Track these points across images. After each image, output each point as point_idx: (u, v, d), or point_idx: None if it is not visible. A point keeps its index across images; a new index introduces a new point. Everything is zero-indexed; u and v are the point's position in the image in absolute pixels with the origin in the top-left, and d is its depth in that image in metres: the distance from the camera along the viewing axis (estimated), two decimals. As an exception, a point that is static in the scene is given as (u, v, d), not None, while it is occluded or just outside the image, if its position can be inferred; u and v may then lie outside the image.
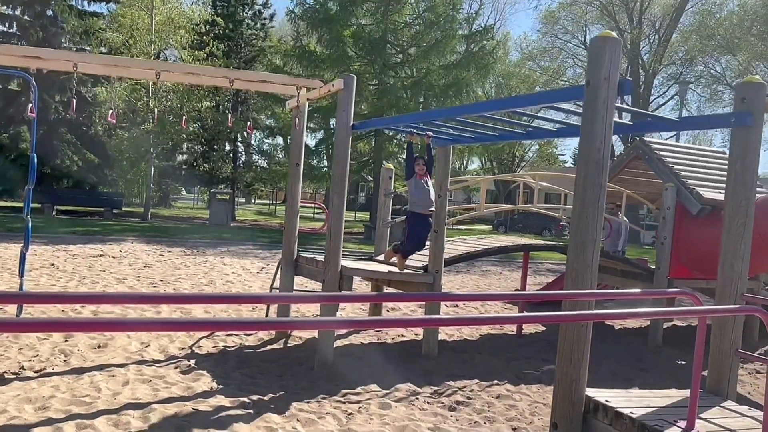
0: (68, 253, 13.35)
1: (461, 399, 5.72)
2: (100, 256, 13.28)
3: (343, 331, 7.86)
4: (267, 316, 7.87)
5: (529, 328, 9.06)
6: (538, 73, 40.16)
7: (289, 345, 7.27)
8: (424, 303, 8.35)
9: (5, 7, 26.15)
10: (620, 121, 5.75)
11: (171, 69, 7.25)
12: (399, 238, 7.55)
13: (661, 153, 9.57)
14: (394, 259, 7.28)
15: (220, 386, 5.55)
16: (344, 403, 5.39)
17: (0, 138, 24.89)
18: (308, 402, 5.32)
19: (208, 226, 24.43)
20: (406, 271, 7.21)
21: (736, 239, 4.46)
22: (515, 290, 11.48)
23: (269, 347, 7.10)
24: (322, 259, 6.83)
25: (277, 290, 7.98)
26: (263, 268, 13.33)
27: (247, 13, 34.16)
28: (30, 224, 6.80)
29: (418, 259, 7.55)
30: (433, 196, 6.97)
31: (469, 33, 27.46)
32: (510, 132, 6.83)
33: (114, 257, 13.23)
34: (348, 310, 9.09)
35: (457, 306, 9.96)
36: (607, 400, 3.99)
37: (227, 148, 33.72)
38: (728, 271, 4.49)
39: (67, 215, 24.64)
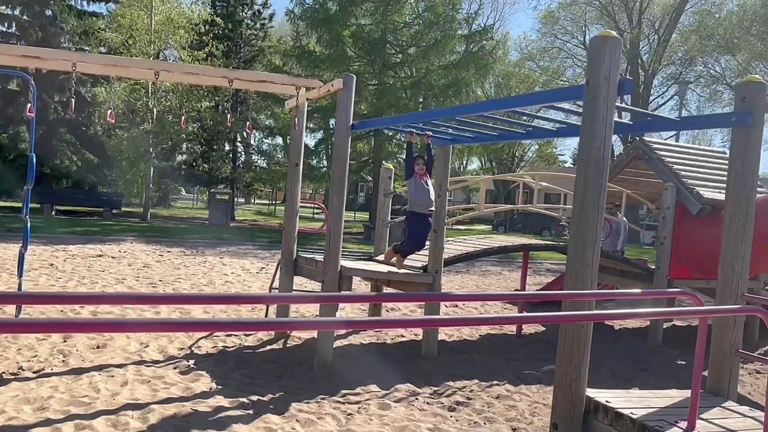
0: (67, 253, 13.34)
1: (461, 399, 5.71)
2: (100, 256, 13.27)
3: (343, 331, 7.85)
4: (266, 316, 7.86)
5: (528, 328, 9.05)
6: (537, 73, 40.16)
7: (288, 345, 7.26)
8: (423, 303, 8.34)
9: (4, 7, 26.12)
10: (620, 120, 5.74)
11: (170, 69, 7.23)
12: (399, 238, 7.54)
13: (661, 153, 9.56)
14: (394, 260, 7.28)
15: (220, 387, 5.54)
16: (344, 403, 5.38)
17: (-1, 138, 24.91)
18: (307, 402, 5.31)
19: (208, 226, 24.41)
20: (405, 271, 7.20)
21: (736, 239, 4.45)
22: (515, 290, 11.47)
23: (268, 347, 7.09)
24: (322, 259, 6.82)
25: (277, 290, 7.97)
26: (263, 268, 13.32)
27: (246, 13, 34.12)
28: (29, 224, 6.79)
29: (418, 259, 7.54)
30: (432, 196, 6.96)
31: (468, 33, 27.45)
32: (510, 132, 6.82)
33: (113, 257, 13.22)
34: (347, 311, 9.08)
35: (456, 306, 9.95)
36: (607, 401, 3.98)
37: (227, 148, 33.70)
38: (729, 271, 4.48)
39: (67, 215, 24.62)
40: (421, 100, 26.30)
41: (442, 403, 5.58)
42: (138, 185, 29.07)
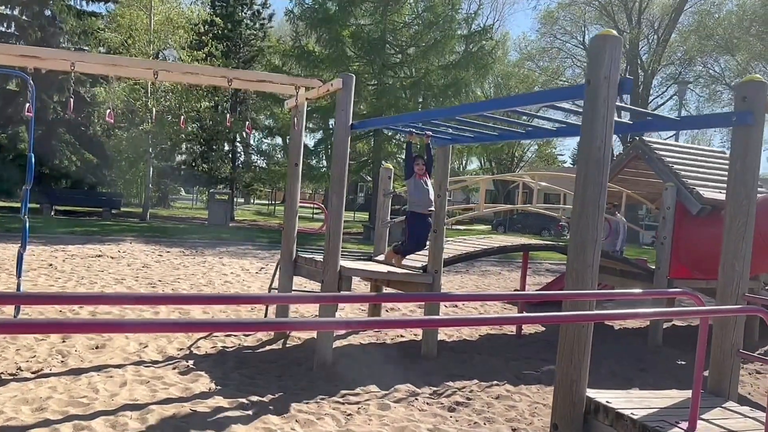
0: (66, 253, 13.32)
1: (461, 400, 5.70)
2: (99, 256, 13.25)
3: (342, 331, 7.83)
4: (266, 316, 7.84)
5: (528, 329, 9.04)
6: (537, 74, 40.19)
7: (287, 345, 7.25)
8: (423, 303, 8.33)
9: (3, 7, 26.10)
10: (620, 120, 5.73)
11: (169, 68, 7.22)
12: (398, 239, 7.53)
13: (661, 152, 9.55)
14: (394, 260, 7.26)
15: (219, 387, 5.52)
16: (343, 403, 5.37)
17: (-2, 138, 24.89)
18: (307, 403, 5.29)
19: (207, 227, 24.39)
20: (405, 271, 7.18)
21: (737, 239, 4.44)
22: (514, 290, 11.45)
23: (268, 348, 7.07)
24: (321, 260, 6.81)
25: (276, 290, 7.96)
26: (262, 268, 13.31)
27: (245, 13, 34.12)
28: (27, 224, 6.78)
29: (418, 259, 7.53)
30: (432, 196, 6.95)
31: (468, 33, 27.45)
32: (509, 132, 6.81)
33: (112, 257, 13.20)
34: (347, 311, 9.07)
35: (456, 306, 9.94)
36: (607, 401, 3.97)
37: (226, 148, 33.69)
38: (729, 270, 4.47)
39: (66, 215, 24.59)
40: (420, 100, 26.29)
41: (442, 404, 5.57)
42: (137, 185, 29.04)
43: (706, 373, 4.36)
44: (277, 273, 7.93)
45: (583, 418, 4.03)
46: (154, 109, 23.27)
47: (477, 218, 34.06)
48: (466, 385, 6.19)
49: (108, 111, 6.76)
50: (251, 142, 37.02)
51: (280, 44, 28.93)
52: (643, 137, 9.91)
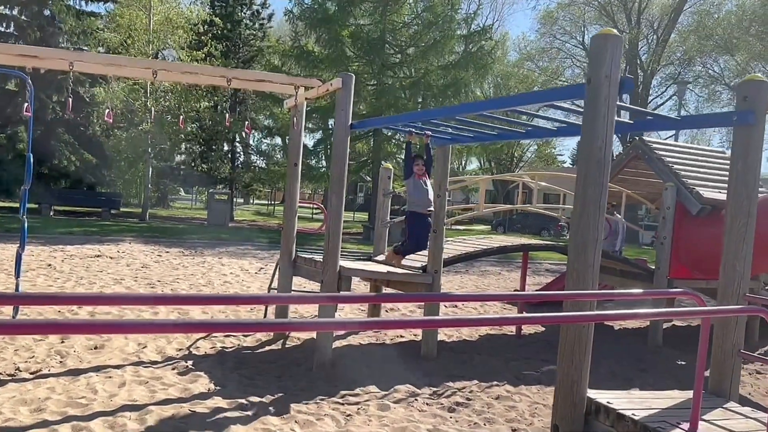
0: (65, 253, 13.30)
1: (460, 400, 5.68)
2: (98, 256, 13.23)
3: (342, 331, 7.81)
4: (265, 316, 7.82)
5: (528, 329, 9.02)
6: (536, 74, 40.20)
7: (287, 346, 7.23)
8: (423, 303, 8.31)
9: (2, 7, 26.07)
10: (620, 119, 5.71)
11: (168, 68, 7.20)
12: (398, 239, 7.51)
13: (661, 152, 9.54)
14: (394, 261, 7.25)
15: (218, 388, 5.50)
16: (343, 404, 5.35)
17: (-3, 138, 24.84)
18: (306, 403, 5.28)
19: (207, 227, 24.37)
20: (405, 271, 7.17)
21: (738, 239, 4.43)
22: (514, 290, 11.44)
23: (267, 348, 7.05)
24: (321, 260, 6.79)
25: (276, 291, 7.94)
26: (261, 268, 13.29)
27: (245, 13, 34.09)
28: (26, 224, 6.76)
29: (417, 259, 7.51)
30: (431, 196, 6.93)
31: (467, 33, 27.43)
32: (509, 131, 6.79)
33: (111, 258, 13.18)
34: (347, 311, 9.05)
35: (456, 306, 9.92)
36: (608, 402, 3.95)
37: (225, 148, 33.67)
38: (730, 271, 4.45)
39: (65, 215, 24.57)
40: (420, 100, 26.28)
41: (442, 404, 5.55)
42: (137, 185, 29.03)
43: (706, 374, 4.35)
44: (277, 273, 7.91)
45: (584, 419, 4.01)
46: (153, 109, 23.25)
47: (476, 218, 34.06)
48: (466, 385, 6.17)
49: (107, 111, 6.72)
50: (251, 142, 37.02)
51: (280, 44, 28.91)
52: (643, 137, 9.90)
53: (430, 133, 6.86)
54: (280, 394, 5.45)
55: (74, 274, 10.68)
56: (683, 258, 9.17)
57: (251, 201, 51.82)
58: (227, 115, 26.27)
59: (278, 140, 37.12)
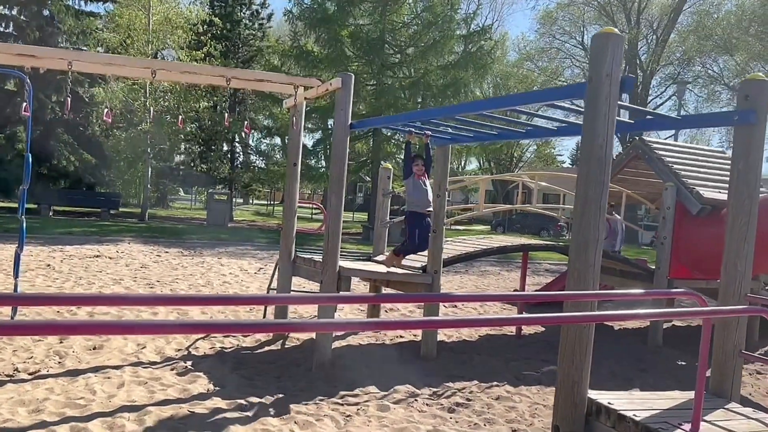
0: (65, 253, 13.27)
1: (460, 400, 5.67)
2: (97, 256, 13.20)
3: (342, 332, 7.80)
4: (264, 317, 7.81)
5: (528, 329, 9.01)
6: (536, 74, 40.17)
7: (286, 346, 7.21)
8: (422, 303, 8.29)
9: (1, 7, 26.04)
10: (621, 119, 5.69)
11: (167, 68, 7.18)
12: (398, 239, 7.49)
13: (661, 152, 9.53)
14: (394, 262, 7.23)
15: (217, 388, 5.48)
16: (342, 405, 5.33)
17: (-3, 138, 24.80)
18: (306, 404, 5.26)
19: (206, 227, 24.34)
20: (404, 271, 7.15)
21: (739, 239, 4.41)
22: (514, 290, 11.42)
23: (267, 348, 7.03)
24: (320, 260, 6.77)
25: (275, 291, 7.92)
26: (261, 268, 13.27)
27: (244, 13, 34.04)
28: (24, 225, 6.74)
29: (417, 259, 7.50)
30: (431, 196, 6.91)
31: (467, 33, 27.40)
32: (509, 131, 6.77)
33: (111, 258, 13.16)
34: (346, 311, 9.03)
35: (455, 307, 9.90)
36: (609, 402, 3.94)
37: (225, 148, 33.61)
38: (732, 270, 4.44)
39: (64, 216, 24.53)
40: (419, 100, 26.26)
41: (442, 405, 5.53)
42: (136, 185, 28.96)
43: (707, 374, 4.33)
44: (276, 273, 7.89)
45: (584, 420, 4.00)
46: (152, 109, 23.21)
47: (476, 218, 34.04)
48: (466, 386, 6.15)
49: (105, 110, 6.70)
50: (250, 142, 36.95)
51: (279, 44, 28.89)
52: (643, 137, 9.88)
53: (429, 133, 6.85)
54: (280, 395, 5.43)
55: (73, 274, 10.66)
56: (683, 258, 9.15)
57: (250, 201, 51.77)
58: (226, 115, 26.08)
59: (277, 140, 37.10)
